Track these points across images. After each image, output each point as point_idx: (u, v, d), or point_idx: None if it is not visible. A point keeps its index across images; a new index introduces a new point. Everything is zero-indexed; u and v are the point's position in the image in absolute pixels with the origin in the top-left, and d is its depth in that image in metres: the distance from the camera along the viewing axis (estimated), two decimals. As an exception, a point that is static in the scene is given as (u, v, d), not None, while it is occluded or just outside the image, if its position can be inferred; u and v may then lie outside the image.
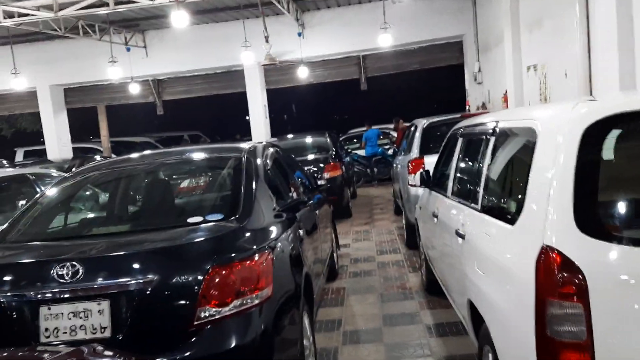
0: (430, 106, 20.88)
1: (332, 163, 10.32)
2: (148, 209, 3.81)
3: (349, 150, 14.40)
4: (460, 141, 4.11)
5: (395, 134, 15.84)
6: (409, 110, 19.54)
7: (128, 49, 13.17)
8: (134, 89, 13.99)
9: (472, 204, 3.30)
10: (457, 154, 4.11)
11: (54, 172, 6.99)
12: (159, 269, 2.70)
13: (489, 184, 3.10)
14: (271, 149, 4.71)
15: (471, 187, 3.48)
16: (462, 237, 3.30)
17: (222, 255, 2.80)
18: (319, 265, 4.77)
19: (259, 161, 3.90)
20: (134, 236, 3.18)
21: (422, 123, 7.47)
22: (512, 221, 2.53)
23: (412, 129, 8.22)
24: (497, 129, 3.15)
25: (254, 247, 2.97)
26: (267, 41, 11.55)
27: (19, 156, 20.46)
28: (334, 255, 6.58)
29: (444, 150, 4.87)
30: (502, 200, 2.92)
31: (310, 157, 10.72)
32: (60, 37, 13.00)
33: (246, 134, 17.91)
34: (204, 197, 4.17)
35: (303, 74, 13.84)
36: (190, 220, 3.20)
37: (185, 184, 4.41)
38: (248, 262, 2.84)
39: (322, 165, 10.29)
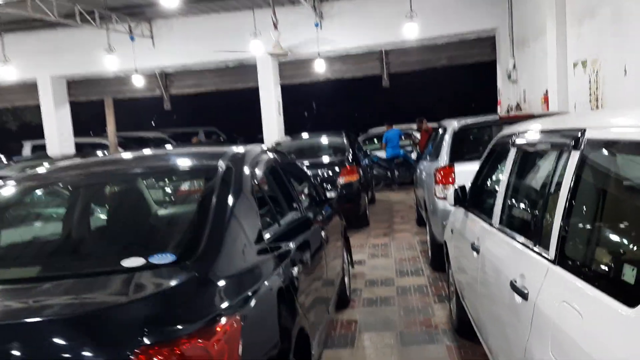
0: (456, 106, 19.65)
1: (348, 167, 9.29)
2: (71, 241, 2.79)
3: (368, 151, 13.36)
4: (513, 152, 3.05)
5: (418, 135, 14.75)
6: (433, 110, 18.42)
7: (132, 39, 12.28)
8: (138, 82, 13.08)
9: (540, 250, 2.26)
10: (509, 169, 3.06)
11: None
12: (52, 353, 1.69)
13: (575, 226, 2.04)
14: (266, 156, 3.70)
15: (536, 223, 2.43)
16: (524, 296, 2.26)
17: (158, 328, 1.79)
18: (322, 308, 3.75)
19: (243, 174, 2.90)
20: (32, 290, 2.13)
21: (453, 125, 6.40)
22: (631, 300, 1.49)
23: (440, 131, 7.14)
24: (584, 140, 2.10)
25: (214, 310, 1.98)
26: (275, 28, 10.51)
27: (27, 150, 19.80)
28: (345, 279, 5.57)
29: (486, 162, 3.81)
30: (604, 262, 1.85)
31: (325, 159, 9.71)
32: (62, 25, 12.20)
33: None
34: (156, 225, 3.08)
35: (320, 69, 12.81)
36: (126, 262, 2.19)
37: (132, 204, 3.24)
38: (199, 338, 1.84)
39: (337, 169, 9.26)
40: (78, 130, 25.77)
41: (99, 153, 13.41)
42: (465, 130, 6.45)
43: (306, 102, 36.85)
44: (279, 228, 3.12)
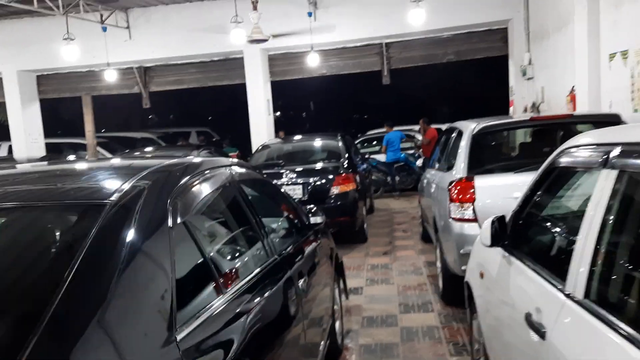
0: (463, 107, 18.35)
1: (344, 174, 8.08)
2: None
3: (367, 155, 12.16)
4: (609, 177, 1.82)
5: (420, 137, 13.54)
6: (438, 111, 17.15)
7: (104, 29, 11.02)
8: (111, 77, 11.79)
9: None
10: (601, 204, 1.83)
11: None
12: None
13: None
14: (218, 176, 2.48)
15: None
16: None
17: None
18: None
19: (151, 217, 1.70)
20: None
21: (471, 128, 5.17)
22: None
23: (454, 135, 5.92)
24: None
25: None
26: (255, 8, 9.20)
27: (3, 151, 18.54)
28: (337, 325, 4.36)
29: (543, 185, 2.57)
30: None
31: (317, 165, 8.48)
32: (29, 14, 10.97)
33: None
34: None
35: (314, 63, 11.58)
36: None
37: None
38: None
39: (331, 176, 8.05)
40: (64, 130, 24.44)
41: (71, 156, 12.11)
42: (486, 133, 5.23)
43: (300, 101, 35.52)
44: (218, 305, 1.88)
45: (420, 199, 8.43)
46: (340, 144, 8.94)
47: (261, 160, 8.97)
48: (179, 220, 1.81)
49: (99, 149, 16.13)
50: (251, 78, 11.62)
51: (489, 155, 5.14)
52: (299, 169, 8.24)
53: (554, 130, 5.54)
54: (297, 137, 9.99)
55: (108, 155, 15.48)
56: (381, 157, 13.37)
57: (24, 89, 12.55)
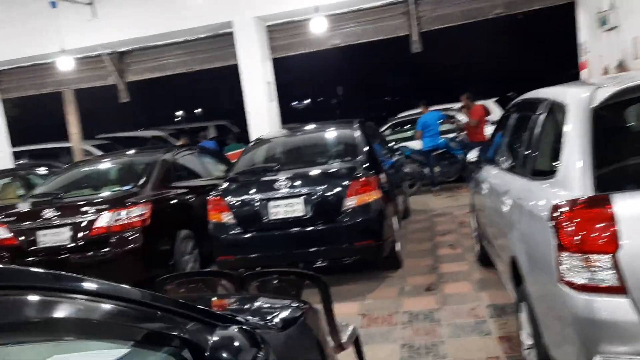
0: (515, 75, 15.31)
1: (362, 178, 5.61)
2: None
3: (395, 144, 9.68)
4: None
5: (463, 118, 10.94)
6: (482, 82, 14.23)
7: (53, 4, 8.76)
8: (67, 65, 9.51)
9: None
10: None
11: None
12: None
13: None
14: None
15: None
16: None
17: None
18: None
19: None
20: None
21: (585, 98, 2.66)
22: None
23: (539, 113, 3.38)
24: None
25: None
26: None
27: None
28: None
29: None
30: None
31: (326, 167, 6.03)
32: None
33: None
34: None
35: (321, 30, 9.09)
36: None
37: None
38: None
39: (345, 182, 5.60)
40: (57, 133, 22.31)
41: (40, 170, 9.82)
42: (620, 107, 2.70)
43: (327, 88, 32.92)
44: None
45: (471, 195, 5.95)
46: (357, 134, 6.45)
47: (251, 162, 6.60)
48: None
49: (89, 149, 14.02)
50: (245, 55, 9.20)
51: (630, 150, 2.64)
52: (300, 173, 5.84)
53: None
54: (301, 128, 7.56)
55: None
56: (416, 144, 10.86)
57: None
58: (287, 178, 5.66)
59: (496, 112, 12.03)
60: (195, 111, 39.70)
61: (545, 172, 2.92)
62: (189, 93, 30.64)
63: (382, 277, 5.96)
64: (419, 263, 6.36)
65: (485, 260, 5.62)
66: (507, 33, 16.39)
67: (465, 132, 10.63)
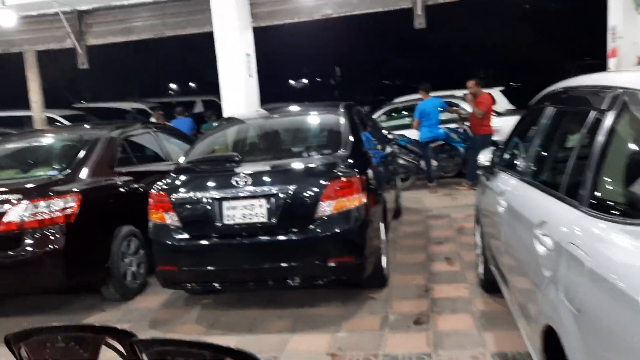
0: (530, 61, 13.94)
1: (343, 178, 4.44)
2: None
3: (390, 133, 8.51)
4: None
5: (466, 106, 9.77)
6: (492, 65, 12.89)
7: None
8: (9, 22, 8.21)
9: None
10: None
11: None
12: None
13: None
14: None
15: None
16: None
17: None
18: None
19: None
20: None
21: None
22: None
23: (602, 111, 2.23)
24: None
25: None
26: None
27: None
28: None
29: None
30: None
31: (299, 162, 4.85)
32: None
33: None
34: None
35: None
36: None
37: None
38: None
39: (321, 182, 4.42)
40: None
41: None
42: None
43: (326, 67, 31.58)
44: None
45: (479, 211, 4.84)
46: (342, 121, 5.26)
47: (210, 148, 5.43)
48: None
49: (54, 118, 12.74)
50: (221, 21, 7.94)
51: None
52: (266, 167, 4.68)
53: None
54: (281, 109, 6.37)
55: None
56: (413, 134, 9.69)
57: None
58: (248, 173, 4.48)
59: (501, 104, 10.90)
60: (191, 84, 38.19)
61: (620, 206, 1.77)
62: (183, 64, 29.22)
63: (362, 297, 4.86)
64: (408, 281, 5.25)
65: (490, 284, 4.53)
66: (527, 11, 14.91)
67: (467, 123, 9.48)
